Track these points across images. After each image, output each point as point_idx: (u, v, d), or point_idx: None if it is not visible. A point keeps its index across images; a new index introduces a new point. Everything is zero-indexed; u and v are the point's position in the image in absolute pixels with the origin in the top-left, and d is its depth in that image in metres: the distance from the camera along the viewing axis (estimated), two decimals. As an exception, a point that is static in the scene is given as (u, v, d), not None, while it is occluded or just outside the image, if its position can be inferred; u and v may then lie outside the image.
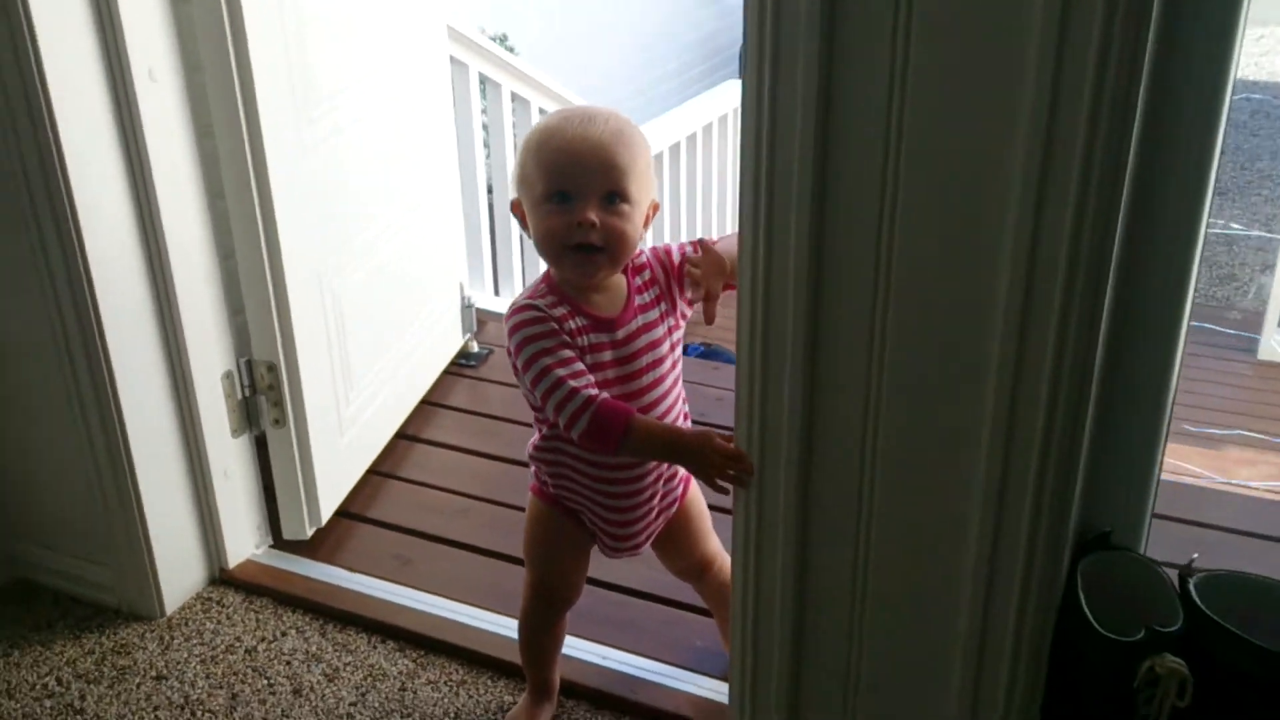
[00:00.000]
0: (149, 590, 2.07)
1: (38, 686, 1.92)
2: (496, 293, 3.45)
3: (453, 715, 1.86)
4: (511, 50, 4.87)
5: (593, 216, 1.46)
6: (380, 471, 2.48)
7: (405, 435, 2.63)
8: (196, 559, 2.15)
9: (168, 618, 2.08)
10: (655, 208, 1.56)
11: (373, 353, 2.43)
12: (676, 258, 1.60)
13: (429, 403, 2.77)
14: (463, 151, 3.03)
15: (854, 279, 1.29)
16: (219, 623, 2.06)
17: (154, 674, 1.95)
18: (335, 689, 1.91)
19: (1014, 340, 1.26)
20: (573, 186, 1.47)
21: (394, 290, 2.53)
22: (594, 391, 1.48)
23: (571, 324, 1.52)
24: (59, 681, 1.93)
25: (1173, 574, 1.43)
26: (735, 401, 1.42)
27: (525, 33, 5.76)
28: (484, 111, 3.44)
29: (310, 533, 2.25)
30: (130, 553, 2.05)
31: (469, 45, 3.19)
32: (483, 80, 3.34)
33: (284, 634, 2.04)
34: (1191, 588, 1.39)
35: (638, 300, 1.58)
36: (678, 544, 1.78)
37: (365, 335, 2.38)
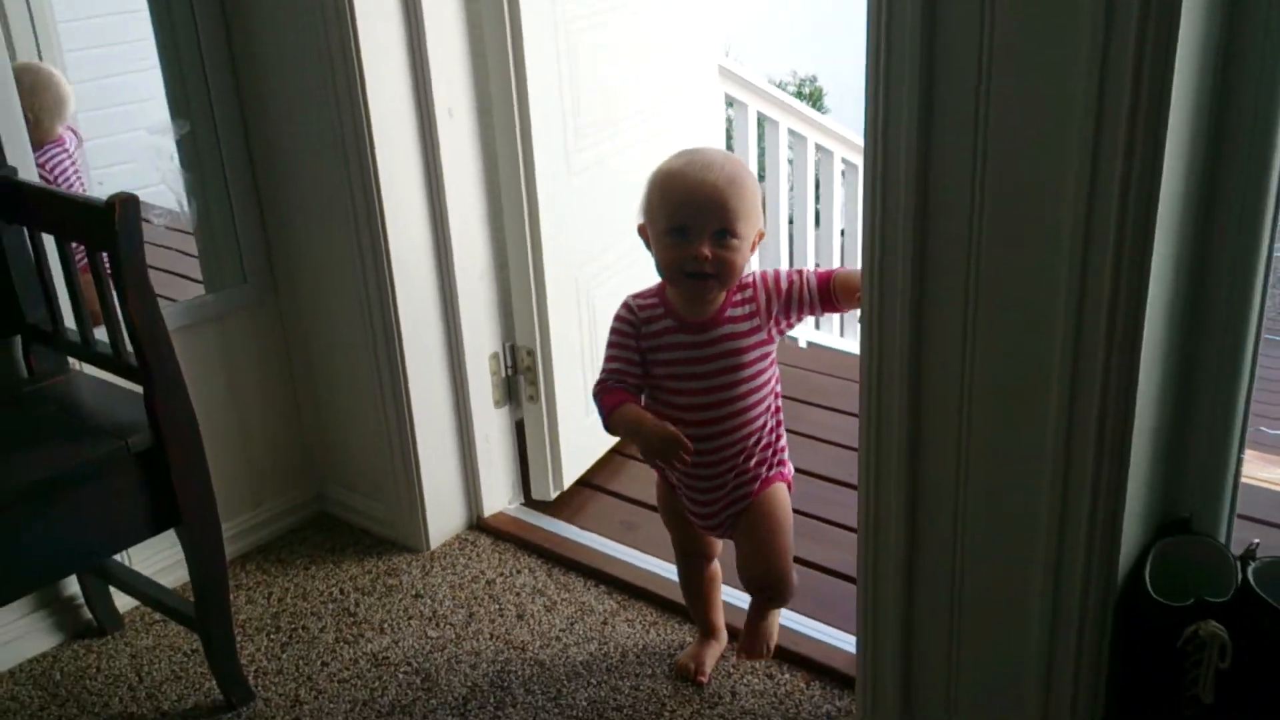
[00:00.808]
0: (419, 529, 2.54)
1: (325, 594, 2.43)
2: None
3: (642, 648, 2.19)
4: (820, 90, 5.19)
5: (706, 252, 1.73)
6: (621, 452, 2.85)
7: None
8: (459, 507, 2.61)
9: (430, 551, 2.54)
10: (760, 236, 1.81)
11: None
12: (784, 284, 1.84)
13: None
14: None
15: (949, 288, 1.53)
16: (469, 559, 2.50)
17: (413, 592, 2.41)
18: (550, 618, 2.29)
19: (1070, 352, 1.45)
20: (690, 224, 1.73)
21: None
22: (613, 377, 1.84)
23: (658, 325, 1.83)
24: (341, 591, 2.43)
25: (1242, 561, 1.55)
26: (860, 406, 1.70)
27: (839, 74, 6.04)
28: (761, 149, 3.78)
29: (554, 495, 2.66)
30: (408, 498, 2.53)
31: (746, 86, 3.54)
32: (762, 119, 3.67)
33: (518, 572, 2.45)
34: (1249, 568, 1.51)
35: (729, 312, 1.82)
36: (740, 546, 1.95)
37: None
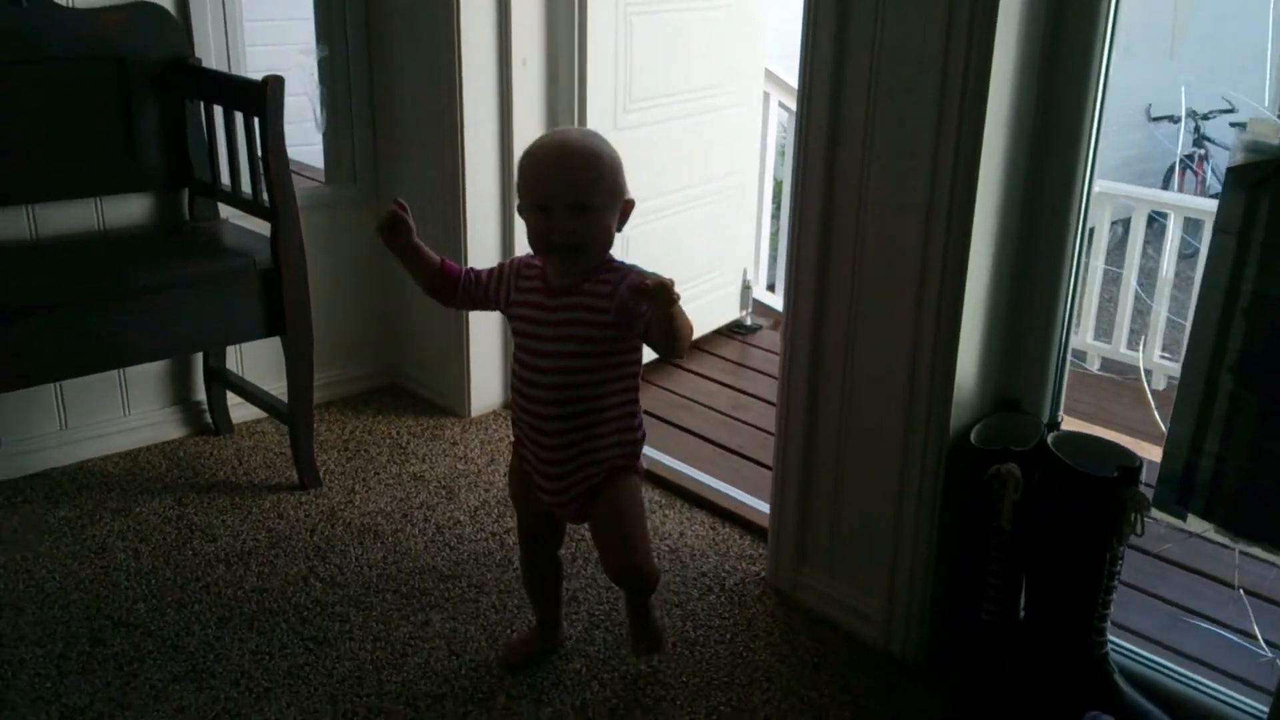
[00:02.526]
0: (464, 400, 3.15)
1: (384, 433, 3.06)
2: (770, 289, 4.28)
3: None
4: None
5: (566, 225, 1.78)
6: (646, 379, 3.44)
7: (664, 359, 3.59)
8: (497, 388, 3.21)
9: (470, 417, 3.16)
10: (629, 205, 1.86)
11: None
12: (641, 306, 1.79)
13: (699, 347, 3.72)
14: (764, 171, 3.98)
15: (845, 216, 2.10)
16: (499, 426, 3.11)
17: (451, 440, 3.03)
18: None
19: (919, 268, 2.00)
20: (549, 201, 1.79)
21: (680, 248, 3.50)
22: (458, 268, 1.94)
23: (529, 283, 1.89)
24: (397, 433, 3.06)
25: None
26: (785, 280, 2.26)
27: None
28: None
29: (577, 394, 3.26)
30: (458, 377, 3.14)
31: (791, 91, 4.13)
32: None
33: (537, 439, 3.06)
34: (1050, 434, 2.04)
35: (587, 286, 1.84)
36: (596, 539, 2.02)
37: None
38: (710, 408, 3.34)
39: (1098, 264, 4.57)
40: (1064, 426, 2.12)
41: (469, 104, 2.89)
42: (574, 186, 1.78)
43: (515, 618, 2.27)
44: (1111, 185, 4.64)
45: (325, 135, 3.10)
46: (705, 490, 2.78)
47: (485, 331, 3.12)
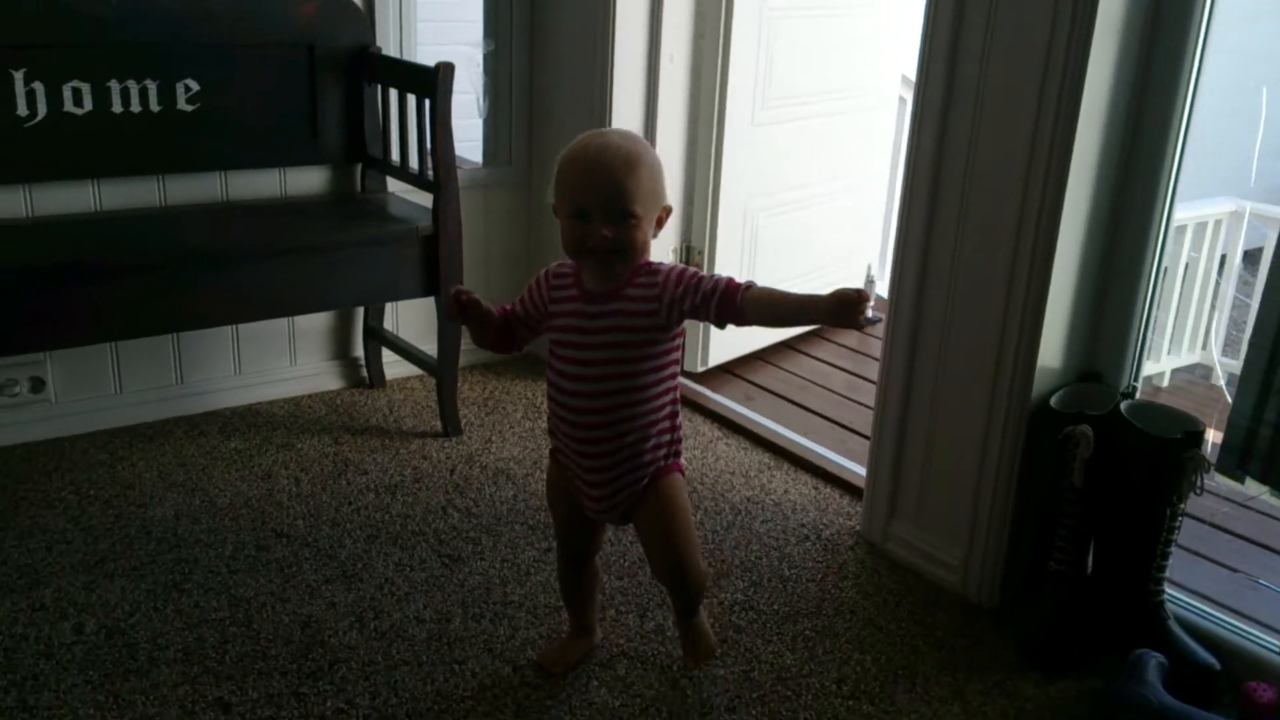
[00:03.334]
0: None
1: (521, 394, 3.35)
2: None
3: (729, 460, 2.99)
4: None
5: (606, 233, 1.73)
6: (762, 357, 3.67)
7: (789, 345, 3.81)
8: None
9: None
10: (667, 211, 1.81)
11: (773, 270, 3.63)
12: (691, 281, 1.77)
13: (822, 336, 3.92)
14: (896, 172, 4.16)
15: (951, 198, 2.29)
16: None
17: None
18: (673, 434, 3.13)
19: (1010, 257, 2.18)
20: (588, 207, 1.74)
21: (808, 241, 3.71)
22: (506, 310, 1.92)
23: (564, 292, 1.85)
24: (532, 394, 3.34)
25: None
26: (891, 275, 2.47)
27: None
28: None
29: (700, 369, 3.50)
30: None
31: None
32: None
33: (659, 406, 3.30)
34: (1122, 402, 2.19)
35: (629, 290, 1.79)
36: (644, 540, 2.00)
37: (770, 256, 3.58)
38: (826, 388, 3.54)
39: (1228, 287, 4.60)
40: (1137, 393, 2.26)
41: (618, 95, 3.16)
42: (613, 194, 1.73)
43: (628, 550, 2.52)
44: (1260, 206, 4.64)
45: (485, 122, 3.42)
46: (811, 455, 2.99)
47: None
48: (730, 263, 3.44)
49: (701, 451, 3.03)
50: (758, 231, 3.51)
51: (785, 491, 2.83)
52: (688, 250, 3.46)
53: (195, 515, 2.60)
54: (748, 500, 2.78)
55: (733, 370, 3.60)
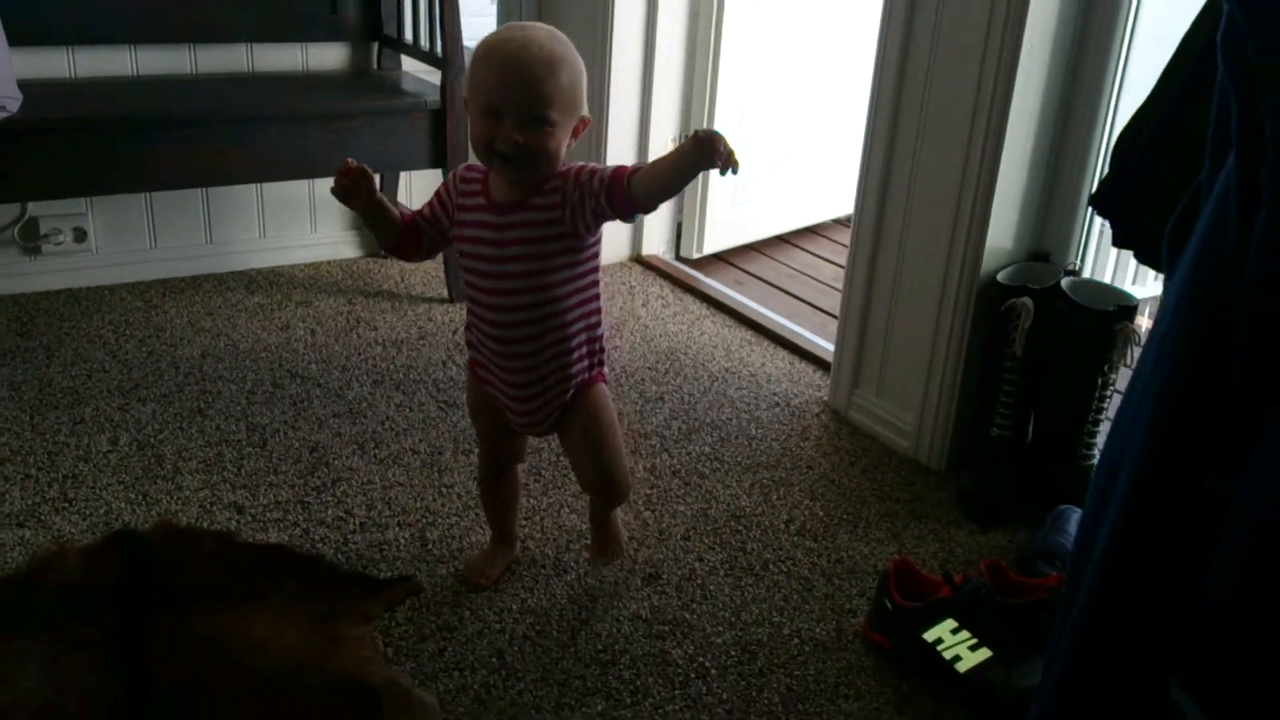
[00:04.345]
0: (596, 249, 3.64)
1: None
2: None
3: (713, 335, 3.21)
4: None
5: (516, 136, 1.61)
6: (755, 247, 3.87)
7: (784, 239, 4.01)
8: (626, 245, 3.69)
9: (602, 266, 3.63)
10: (585, 122, 1.70)
11: (766, 173, 3.81)
12: (596, 183, 1.66)
13: (819, 233, 4.12)
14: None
15: (914, 91, 2.47)
16: (624, 274, 3.59)
17: (580, 280, 3.52)
18: (661, 308, 3.35)
19: (964, 148, 2.37)
20: (501, 106, 1.61)
21: (796, 154, 3.88)
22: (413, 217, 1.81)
23: (471, 200, 1.75)
24: (536, 269, 3.56)
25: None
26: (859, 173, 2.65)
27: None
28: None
29: (695, 256, 3.71)
30: (594, 228, 3.63)
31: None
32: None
33: (652, 286, 3.51)
34: (1064, 278, 2.39)
35: (535, 199, 1.69)
36: (571, 450, 1.95)
37: (762, 164, 3.76)
38: (813, 278, 3.74)
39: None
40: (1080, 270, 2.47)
41: (620, 14, 3.34)
42: (530, 96, 1.61)
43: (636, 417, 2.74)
44: None
45: (496, 4, 3.60)
46: (789, 334, 3.20)
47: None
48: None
49: (688, 327, 3.25)
50: (751, 129, 3.67)
51: (762, 365, 3.06)
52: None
53: (219, 355, 2.84)
54: (725, 370, 3.00)
55: (726, 259, 3.80)
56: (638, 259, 3.71)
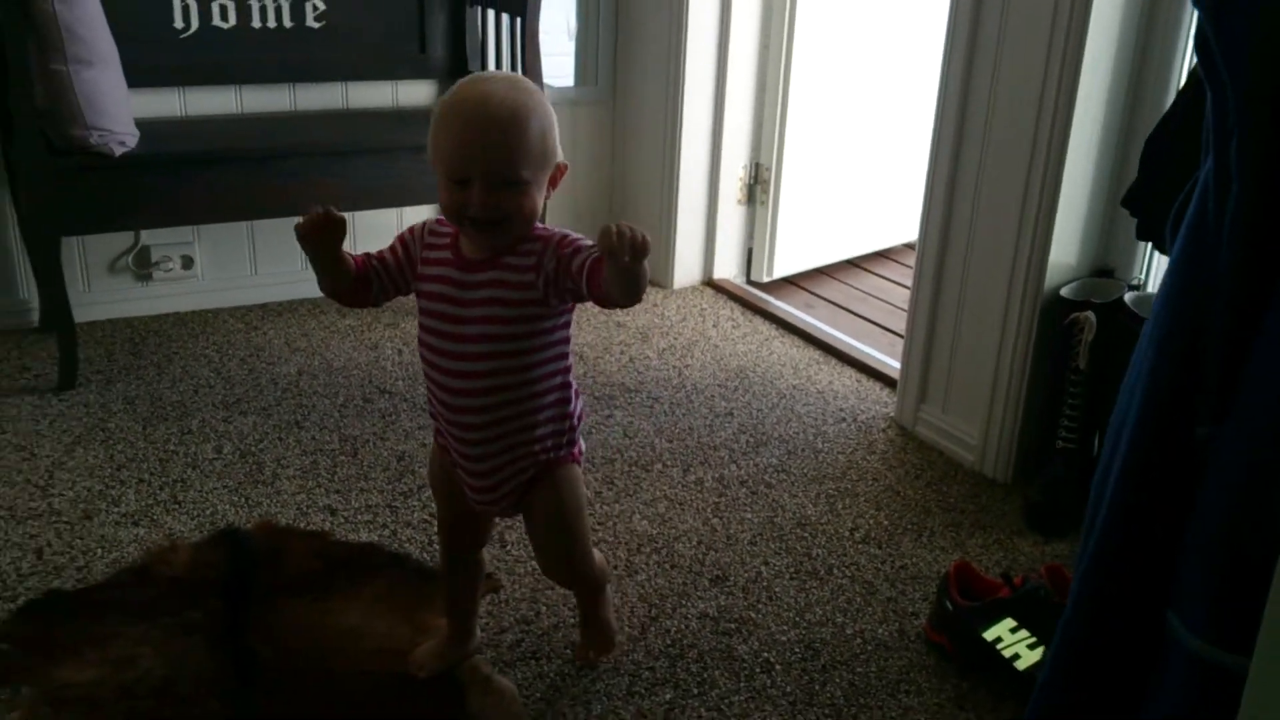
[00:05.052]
0: (669, 274, 3.75)
1: (603, 292, 3.71)
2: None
3: (783, 355, 3.31)
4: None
5: (486, 201, 1.48)
6: (826, 271, 3.96)
7: (854, 263, 4.10)
8: (697, 269, 3.81)
9: (672, 289, 3.76)
10: (562, 169, 1.58)
11: (835, 199, 3.91)
12: (575, 267, 1.52)
13: (888, 257, 4.20)
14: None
15: (977, 114, 2.57)
16: (695, 297, 3.71)
17: (651, 304, 3.63)
18: (733, 330, 3.46)
19: (1024, 177, 2.46)
20: (466, 173, 1.48)
21: (865, 179, 3.98)
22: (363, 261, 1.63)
23: (437, 253, 1.61)
24: (613, 294, 3.70)
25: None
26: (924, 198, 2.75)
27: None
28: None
29: (765, 279, 3.82)
30: (665, 255, 3.74)
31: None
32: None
33: (721, 309, 3.63)
34: (1128, 293, 2.45)
35: (507, 259, 1.56)
36: (534, 539, 1.81)
37: (831, 189, 3.86)
38: (884, 300, 3.82)
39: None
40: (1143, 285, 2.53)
41: (692, 23, 3.47)
42: (496, 159, 1.48)
43: (683, 419, 2.86)
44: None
45: (576, 42, 3.77)
46: (857, 353, 3.29)
47: (691, 214, 3.72)
48: (794, 185, 3.73)
49: (757, 347, 3.36)
50: (824, 159, 3.78)
51: (829, 382, 3.15)
52: (757, 168, 3.76)
53: (314, 373, 3.02)
54: (793, 387, 3.10)
55: (796, 282, 3.91)
56: (709, 282, 3.83)
